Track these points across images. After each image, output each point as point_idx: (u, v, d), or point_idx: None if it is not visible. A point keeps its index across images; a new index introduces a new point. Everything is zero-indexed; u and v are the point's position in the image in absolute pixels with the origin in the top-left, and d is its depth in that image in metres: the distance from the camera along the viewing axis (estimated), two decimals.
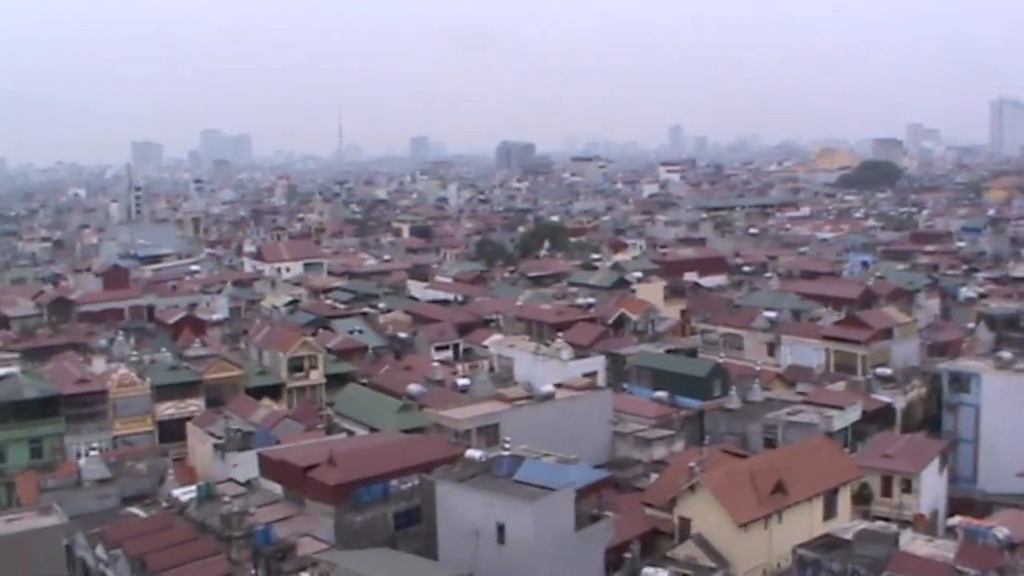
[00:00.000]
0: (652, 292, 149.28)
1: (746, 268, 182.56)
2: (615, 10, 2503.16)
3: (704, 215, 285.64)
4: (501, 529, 57.48)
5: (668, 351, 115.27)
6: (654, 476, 76.82)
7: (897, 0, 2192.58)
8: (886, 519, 69.02)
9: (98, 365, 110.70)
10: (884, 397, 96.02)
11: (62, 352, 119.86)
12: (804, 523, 64.60)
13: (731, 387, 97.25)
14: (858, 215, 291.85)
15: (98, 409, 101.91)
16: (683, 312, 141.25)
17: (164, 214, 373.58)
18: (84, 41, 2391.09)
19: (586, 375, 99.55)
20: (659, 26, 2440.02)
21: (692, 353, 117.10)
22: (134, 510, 77.64)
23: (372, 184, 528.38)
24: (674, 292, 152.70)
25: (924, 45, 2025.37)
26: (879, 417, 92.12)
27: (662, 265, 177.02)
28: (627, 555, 61.09)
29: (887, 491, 76.13)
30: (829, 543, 59.02)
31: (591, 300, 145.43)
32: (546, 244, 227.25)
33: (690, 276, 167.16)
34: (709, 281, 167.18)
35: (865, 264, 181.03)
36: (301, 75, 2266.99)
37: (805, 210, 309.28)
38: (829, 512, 67.92)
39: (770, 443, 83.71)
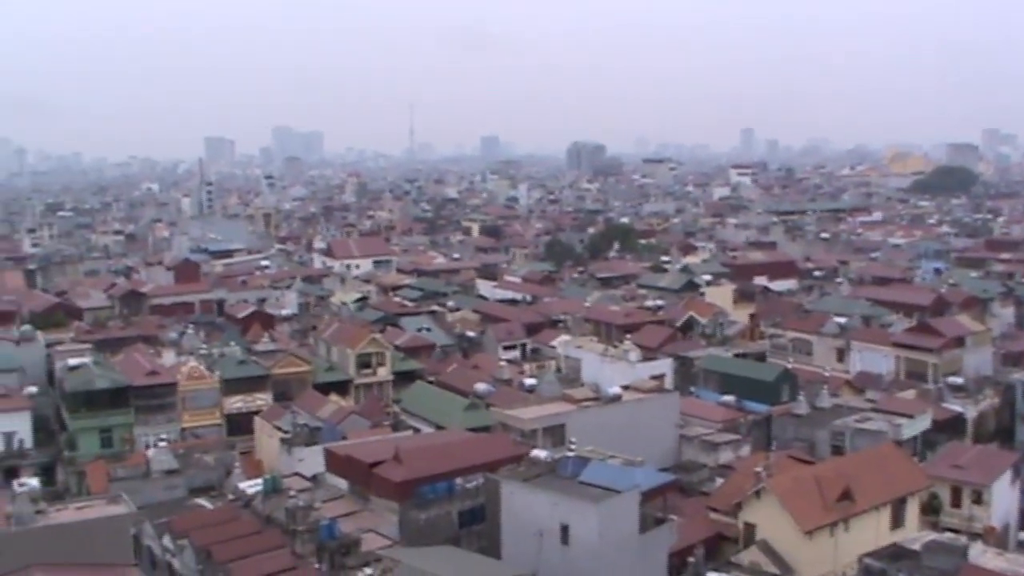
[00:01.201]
0: (721, 295, 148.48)
1: (816, 273, 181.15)
2: (686, 10, 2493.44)
3: (775, 219, 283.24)
4: (565, 530, 57.46)
5: (736, 355, 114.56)
6: (720, 480, 76.55)
7: (973, 2, 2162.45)
8: (955, 531, 68.25)
9: (168, 358, 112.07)
10: (955, 406, 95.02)
11: (133, 344, 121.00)
12: (871, 532, 64.03)
13: (799, 392, 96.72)
14: (931, 221, 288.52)
15: (167, 401, 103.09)
16: (752, 316, 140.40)
17: (235, 209, 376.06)
18: (159, 38, 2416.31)
19: (653, 377, 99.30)
20: (731, 27, 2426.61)
21: (760, 357, 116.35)
22: (201, 501, 78.52)
23: (442, 183, 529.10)
24: (743, 296, 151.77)
25: (1002, 48, 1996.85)
26: (949, 427, 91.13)
27: (732, 268, 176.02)
28: (691, 559, 60.88)
29: (957, 502, 75.26)
30: (896, 553, 58.39)
31: (660, 302, 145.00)
32: (615, 245, 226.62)
33: (760, 280, 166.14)
34: (779, 285, 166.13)
35: (938, 271, 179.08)
36: (374, 74, 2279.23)
37: (877, 215, 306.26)
38: (896, 522, 67.30)
39: (838, 450, 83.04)
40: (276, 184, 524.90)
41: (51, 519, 60.19)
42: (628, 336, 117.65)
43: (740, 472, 73.66)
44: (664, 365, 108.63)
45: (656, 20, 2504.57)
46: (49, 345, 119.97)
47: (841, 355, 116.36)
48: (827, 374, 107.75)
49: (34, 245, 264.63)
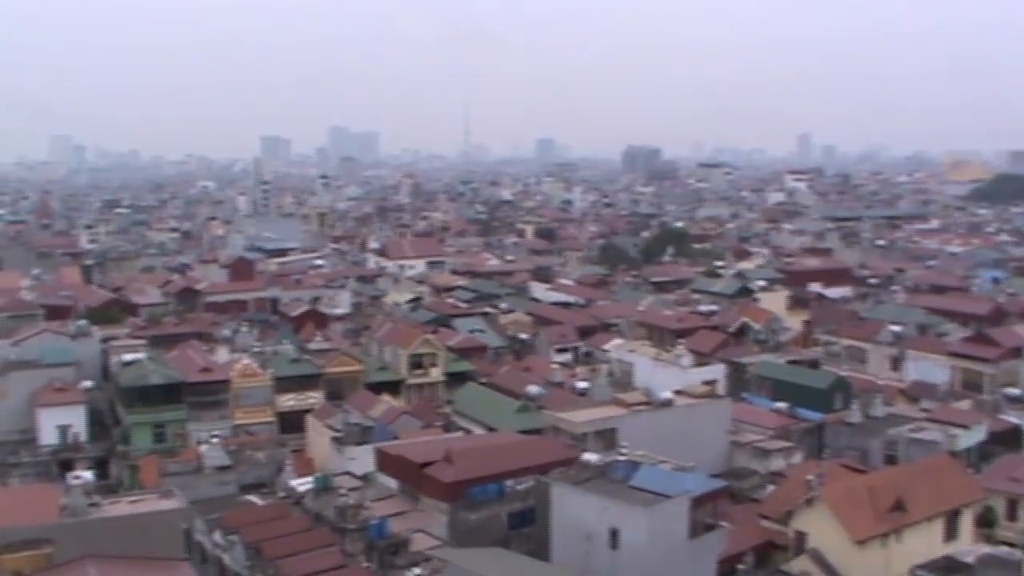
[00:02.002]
0: (775, 301, 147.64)
1: (872, 280, 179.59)
2: (743, 15, 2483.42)
3: (830, 225, 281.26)
4: (614, 534, 57.38)
5: (789, 362, 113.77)
6: (771, 488, 76.14)
7: None
8: (1011, 544, 67.38)
9: (221, 355, 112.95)
10: (1012, 418, 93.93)
11: (187, 340, 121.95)
12: (923, 543, 63.34)
13: (853, 401, 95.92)
14: (990, 229, 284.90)
15: (220, 398, 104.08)
16: (806, 323, 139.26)
17: (290, 208, 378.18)
18: (217, 39, 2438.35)
19: (706, 383, 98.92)
20: (787, 32, 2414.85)
21: (814, 365, 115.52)
22: (252, 498, 79.24)
23: (497, 184, 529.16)
24: (798, 302, 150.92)
25: None
26: (1006, 439, 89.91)
27: (786, 274, 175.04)
28: (740, 566, 60.69)
29: (1012, 515, 74.33)
30: (949, 565, 57.83)
31: (713, 307, 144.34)
32: (670, 250, 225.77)
33: (814, 286, 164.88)
34: (834, 292, 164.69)
35: (996, 280, 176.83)
36: (430, 75, 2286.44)
37: (934, 223, 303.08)
38: (950, 534, 66.54)
39: (891, 460, 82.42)
40: (331, 184, 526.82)
41: (104, 512, 60.86)
42: (681, 341, 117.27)
43: (791, 480, 73.21)
44: (717, 370, 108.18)
45: (713, 24, 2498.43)
46: (105, 340, 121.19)
47: (896, 364, 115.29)
48: (881, 383, 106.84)
49: (91, 241, 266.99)
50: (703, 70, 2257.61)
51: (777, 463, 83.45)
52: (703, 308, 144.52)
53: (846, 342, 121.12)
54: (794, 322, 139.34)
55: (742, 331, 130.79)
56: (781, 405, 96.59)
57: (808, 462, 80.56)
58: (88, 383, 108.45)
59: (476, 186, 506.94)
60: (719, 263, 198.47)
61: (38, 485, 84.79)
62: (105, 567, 51.00)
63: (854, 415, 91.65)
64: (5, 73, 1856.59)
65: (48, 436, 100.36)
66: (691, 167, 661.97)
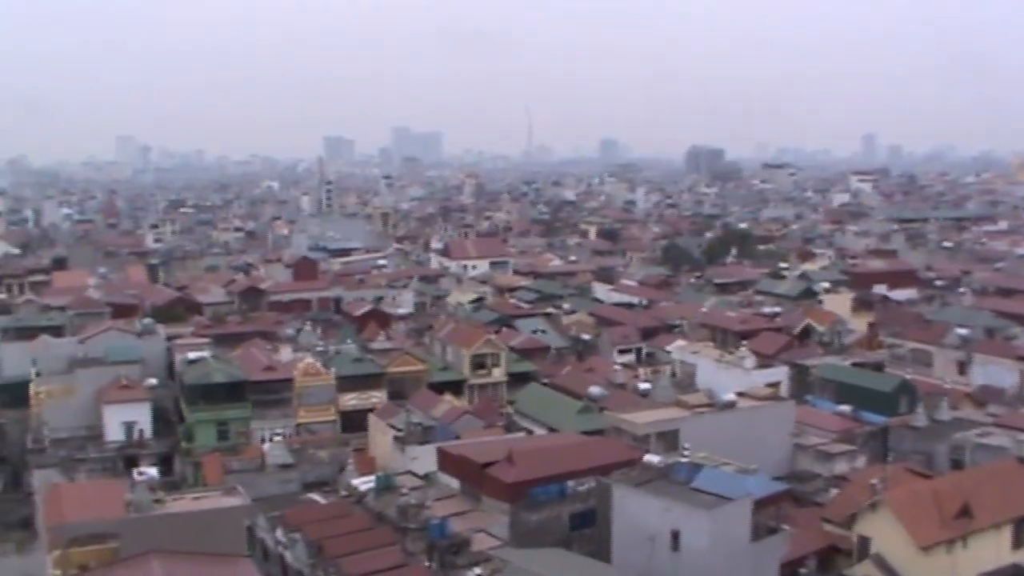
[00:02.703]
0: (840, 303, 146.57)
1: (938, 282, 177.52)
2: (808, 15, 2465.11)
3: (896, 226, 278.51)
4: (676, 536, 57.12)
5: (854, 364, 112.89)
6: (834, 491, 75.47)
7: None
8: None
9: (285, 353, 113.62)
10: None
11: (251, 339, 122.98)
12: (990, 551, 62.56)
13: (918, 404, 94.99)
14: None
15: (283, 396, 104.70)
16: (871, 325, 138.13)
17: (354, 208, 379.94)
18: (280, 40, 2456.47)
19: (769, 385, 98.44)
20: (853, 32, 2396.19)
21: (878, 367, 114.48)
22: (314, 496, 79.49)
23: (560, 185, 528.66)
24: (862, 304, 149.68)
25: None
26: None
27: (851, 276, 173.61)
28: (803, 570, 60.27)
29: None
30: (1017, 574, 57.10)
31: (777, 309, 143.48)
32: (733, 251, 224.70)
33: (879, 288, 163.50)
34: (899, 294, 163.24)
35: None
36: (492, 76, 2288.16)
37: (1003, 224, 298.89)
38: (1018, 541, 65.48)
39: (957, 465, 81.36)
40: (394, 184, 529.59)
41: (168, 508, 61.46)
42: (744, 342, 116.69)
43: (855, 483, 72.48)
44: (780, 373, 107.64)
45: (778, 24, 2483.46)
46: (170, 338, 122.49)
47: (962, 367, 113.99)
48: (947, 386, 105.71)
49: (157, 240, 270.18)
50: (768, 70, 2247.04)
51: (840, 466, 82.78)
52: (766, 310, 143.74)
53: (911, 345, 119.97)
54: (858, 324, 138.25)
55: (806, 333, 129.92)
56: (845, 408, 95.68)
57: (872, 466, 79.82)
58: (153, 381, 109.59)
59: (539, 186, 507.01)
60: (783, 264, 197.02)
61: (104, 481, 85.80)
62: (169, 562, 51.51)
63: (919, 419, 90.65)
64: (74, 75, 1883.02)
65: (114, 432, 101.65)
66: (755, 168, 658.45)
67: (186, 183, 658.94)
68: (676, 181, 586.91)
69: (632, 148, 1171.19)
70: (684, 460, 64.11)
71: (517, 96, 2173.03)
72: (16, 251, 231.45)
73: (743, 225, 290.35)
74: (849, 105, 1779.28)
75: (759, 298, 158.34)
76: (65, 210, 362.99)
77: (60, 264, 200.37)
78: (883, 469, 72.42)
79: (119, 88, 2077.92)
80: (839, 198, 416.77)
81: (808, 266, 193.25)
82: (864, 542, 63.27)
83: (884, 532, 61.98)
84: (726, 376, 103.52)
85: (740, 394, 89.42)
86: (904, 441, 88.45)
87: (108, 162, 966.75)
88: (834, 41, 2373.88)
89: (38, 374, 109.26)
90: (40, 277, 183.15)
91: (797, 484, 77.53)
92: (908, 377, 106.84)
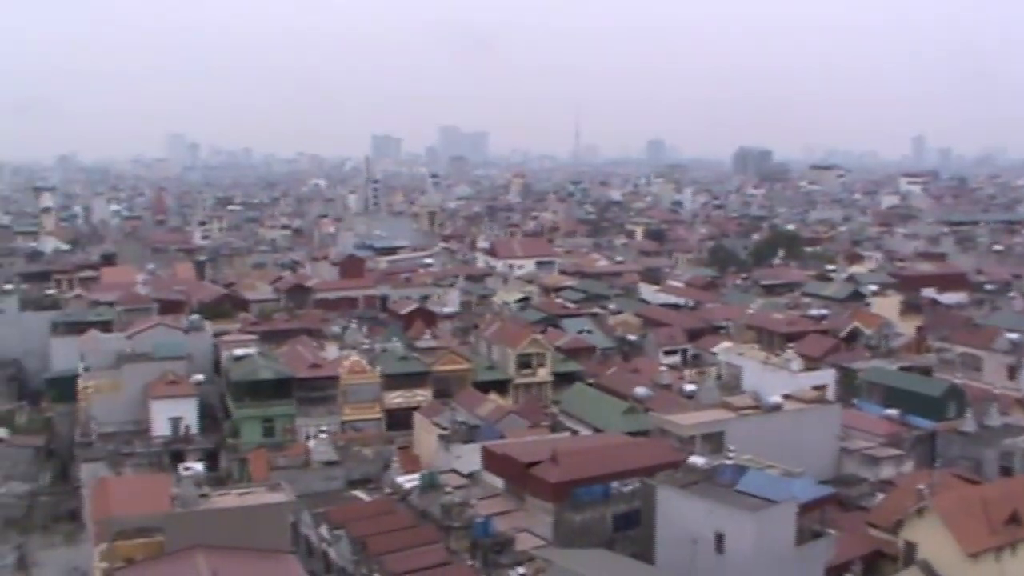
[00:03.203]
0: (888, 306, 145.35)
1: (988, 286, 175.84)
2: (857, 15, 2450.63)
3: (945, 229, 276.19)
4: (720, 538, 56.96)
5: (901, 368, 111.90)
6: (880, 496, 74.93)
7: None
8: None
9: (331, 351, 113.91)
10: None
11: (297, 337, 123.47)
12: None
13: (967, 409, 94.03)
14: None
15: (329, 393, 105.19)
16: (919, 329, 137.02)
17: (400, 207, 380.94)
18: (329, 38, 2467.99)
19: (815, 388, 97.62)
20: (903, 34, 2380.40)
21: (927, 371, 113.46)
22: (358, 493, 79.79)
23: (607, 185, 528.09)
24: (911, 307, 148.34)
25: None
26: None
27: (899, 279, 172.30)
28: (848, 575, 59.75)
29: None
30: None
31: (824, 311, 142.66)
32: (780, 252, 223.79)
33: (928, 292, 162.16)
34: (948, 298, 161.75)
35: None
36: (541, 75, 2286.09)
37: None
38: None
39: (1006, 471, 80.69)
40: (441, 183, 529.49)
41: (214, 503, 61.66)
42: (791, 345, 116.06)
43: (902, 488, 71.94)
44: (826, 375, 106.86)
45: (827, 24, 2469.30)
46: (216, 335, 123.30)
47: (1013, 372, 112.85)
48: (997, 392, 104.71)
49: (204, 237, 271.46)
50: (817, 71, 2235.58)
51: (887, 471, 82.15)
52: (813, 312, 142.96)
53: (960, 349, 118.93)
54: (907, 328, 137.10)
55: (853, 336, 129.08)
56: (892, 412, 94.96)
57: (919, 471, 79.21)
58: (200, 377, 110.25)
59: (586, 186, 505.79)
60: (830, 267, 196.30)
61: (150, 475, 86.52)
62: (214, 557, 51.72)
63: (968, 424, 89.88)
64: (126, 73, 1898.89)
65: (160, 427, 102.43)
66: (803, 169, 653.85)
67: (234, 180, 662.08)
68: (723, 182, 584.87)
69: (679, 149, 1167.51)
70: (729, 462, 63.93)
71: (566, 96, 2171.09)
72: (66, 247, 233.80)
73: (790, 227, 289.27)
74: (899, 107, 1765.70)
75: (806, 300, 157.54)
76: (114, 207, 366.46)
77: (109, 260, 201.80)
78: (930, 474, 71.80)
79: (169, 87, 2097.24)
80: (888, 200, 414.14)
81: (856, 268, 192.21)
82: (911, 548, 62.74)
83: (931, 538, 61.40)
84: (772, 378, 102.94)
85: (786, 396, 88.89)
86: (952, 446, 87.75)
87: (157, 159, 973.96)
88: (884, 45, 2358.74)
89: (86, 369, 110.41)
90: (89, 273, 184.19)
91: (843, 488, 76.94)
92: (957, 382, 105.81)
